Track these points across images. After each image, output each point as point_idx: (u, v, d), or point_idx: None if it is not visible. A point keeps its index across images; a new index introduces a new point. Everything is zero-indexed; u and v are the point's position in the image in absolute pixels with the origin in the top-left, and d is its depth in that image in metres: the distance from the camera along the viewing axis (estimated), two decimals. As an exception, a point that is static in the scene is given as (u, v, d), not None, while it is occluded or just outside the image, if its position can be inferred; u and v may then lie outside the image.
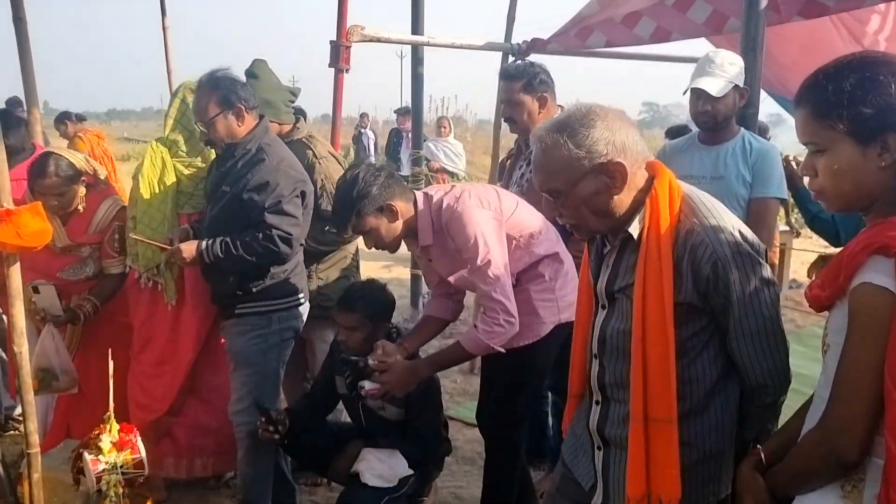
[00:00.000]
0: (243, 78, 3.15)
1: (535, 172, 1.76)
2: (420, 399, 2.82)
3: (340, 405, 3.24)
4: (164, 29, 4.97)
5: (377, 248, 2.68)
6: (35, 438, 2.49)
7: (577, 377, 1.94)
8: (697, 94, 3.04)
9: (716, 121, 3.07)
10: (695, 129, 3.55)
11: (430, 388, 2.88)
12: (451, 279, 2.65)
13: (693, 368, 1.69)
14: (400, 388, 2.65)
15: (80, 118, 8.94)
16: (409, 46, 6.12)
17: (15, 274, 2.34)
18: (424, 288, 6.96)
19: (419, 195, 2.66)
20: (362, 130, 14.82)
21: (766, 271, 1.66)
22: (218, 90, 2.85)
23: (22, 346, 2.39)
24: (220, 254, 2.82)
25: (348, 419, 3.21)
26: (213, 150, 3.12)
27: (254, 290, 2.93)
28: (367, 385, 2.62)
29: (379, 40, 4.56)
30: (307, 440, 3.02)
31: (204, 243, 2.85)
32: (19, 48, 4.09)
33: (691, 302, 1.63)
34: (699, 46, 4.99)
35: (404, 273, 7.81)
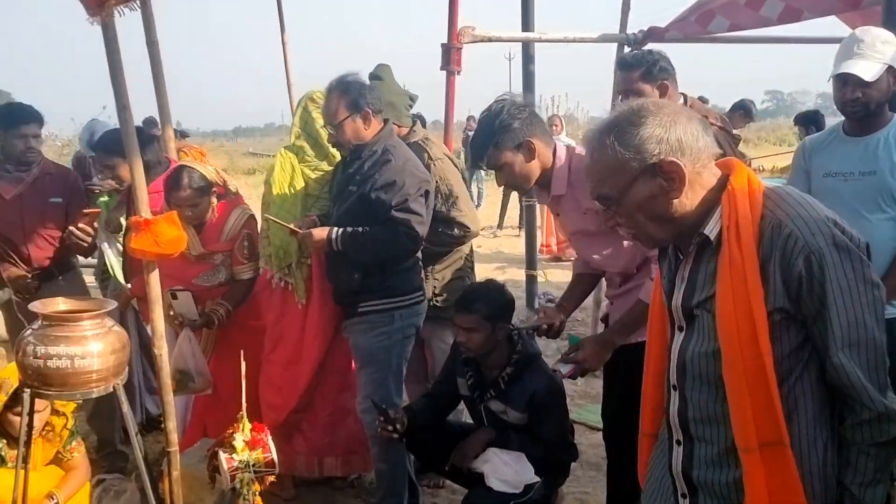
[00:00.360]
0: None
1: (586, 178, 1.59)
2: (544, 402, 2.75)
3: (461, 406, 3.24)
4: (283, 44, 5.14)
5: (507, 186, 2.65)
6: (174, 437, 2.61)
7: (650, 413, 1.73)
8: (844, 80, 2.68)
9: (868, 109, 2.69)
10: (832, 116, 3.25)
11: (554, 390, 2.81)
12: (595, 257, 2.62)
13: (792, 396, 1.43)
14: (596, 362, 2.54)
15: (184, 134, 9.21)
16: (520, 47, 6.05)
17: (154, 280, 2.47)
18: (540, 289, 6.89)
19: (561, 147, 2.59)
20: (469, 133, 14.93)
21: (871, 271, 1.41)
22: (348, 94, 2.95)
23: (162, 348, 2.51)
24: (347, 242, 2.91)
25: (469, 420, 3.19)
26: (337, 154, 3.22)
27: (376, 287, 2.98)
28: (563, 368, 2.53)
29: (490, 40, 4.52)
30: (427, 438, 3.02)
31: (334, 230, 2.94)
32: (153, 70, 4.35)
33: (783, 307, 1.40)
34: (826, 27, 4.64)
35: (518, 274, 7.74)
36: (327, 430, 3.39)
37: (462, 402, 3.14)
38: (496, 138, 2.46)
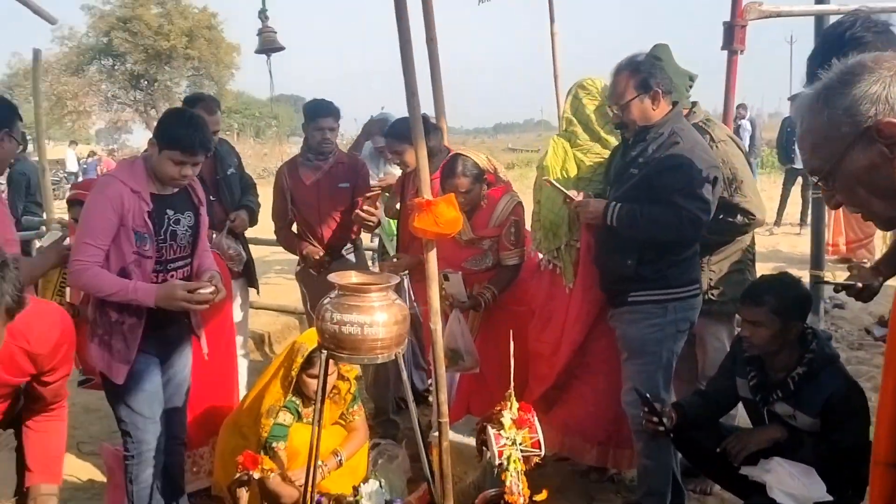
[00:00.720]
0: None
1: (798, 150, 1.31)
2: (844, 408, 2.43)
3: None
4: (552, 35, 5.13)
5: None
6: (445, 408, 2.73)
7: (888, 438, 1.36)
8: None
9: None
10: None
11: (856, 395, 2.47)
12: None
13: None
14: None
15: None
16: (803, 27, 5.43)
17: (432, 259, 2.60)
18: (828, 291, 6.16)
19: None
20: (740, 122, 13.86)
21: None
22: (638, 73, 2.89)
23: (437, 323, 2.64)
24: (623, 218, 2.84)
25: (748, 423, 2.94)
26: (610, 138, 3.17)
27: (651, 276, 2.85)
28: (878, 331, 2.30)
29: (779, 15, 4.11)
30: (698, 437, 2.83)
31: (611, 204, 2.89)
32: (430, 66, 4.61)
33: None
34: None
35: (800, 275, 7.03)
36: (589, 418, 3.35)
37: (740, 403, 2.90)
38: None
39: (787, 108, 12.45)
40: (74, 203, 3.48)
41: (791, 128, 11.00)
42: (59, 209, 6.78)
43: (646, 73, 2.88)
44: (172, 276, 2.88)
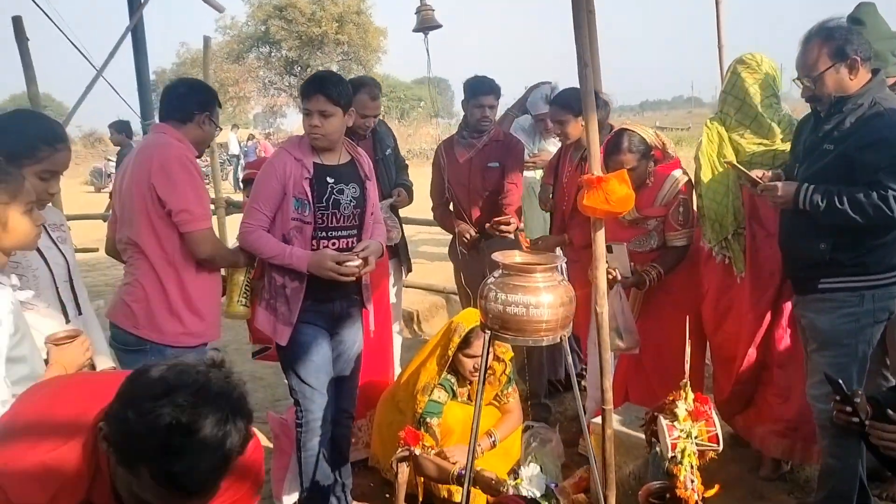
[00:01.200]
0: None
1: None
2: None
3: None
4: (716, 3, 4.79)
5: None
6: (609, 395, 2.62)
7: None
8: None
9: None
10: None
11: None
12: None
13: None
14: None
15: None
16: None
17: (601, 238, 2.48)
18: None
19: None
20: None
21: None
22: (831, 41, 2.64)
23: (603, 306, 2.52)
24: (819, 203, 2.60)
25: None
26: (768, 120, 3.03)
27: (847, 262, 2.60)
28: None
29: None
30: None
31: (804, 186, 2.66)
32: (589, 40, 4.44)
33: None
34: None
35: None
36: (773, 407, 3.19)
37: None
38: None
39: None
40: (248, 182, 3.64)
41: None
42: (225, 190, 7.20)
43: (841, 39, 2.60)
44: (335, 244, 2.93)
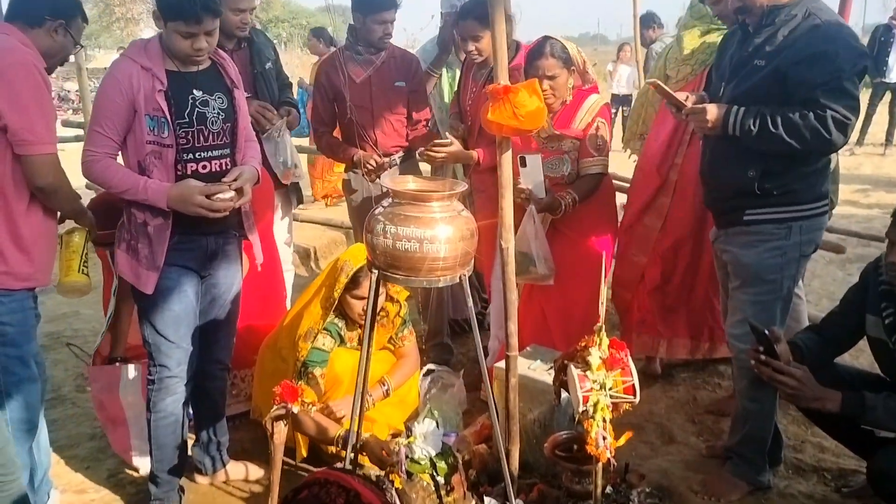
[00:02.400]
0: None
1: None
2: None
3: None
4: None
5: None
6: (515, 341, 2.34)
7: None
8: None
9: None
10: None
11: None
12: None
13: None
14: None
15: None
16: None
17: (507, 161, 2.14)
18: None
19: None
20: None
21: None
22: None
23: (509, 241, 2.21)
24: (751, 127, 2.33)
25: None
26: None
27: (775, 191, 2.36)
28: None
29: None
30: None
31: (734, 109, 2.38)
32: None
33: None
34: None
35: (887, 199, 6.40)
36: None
37: (866, 343, 2.44)
38: None
39: (883, 17, 11.29)
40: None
41: (885, 37, 9.98)
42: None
43: None
44: (205, 167, 2.49)
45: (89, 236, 2.70)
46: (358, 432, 2.42)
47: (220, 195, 2.42)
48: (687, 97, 2.54)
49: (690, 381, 3.68)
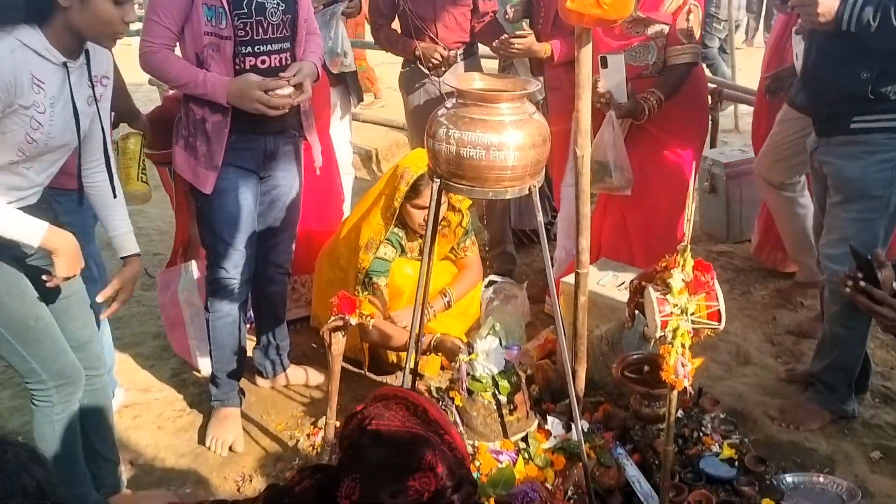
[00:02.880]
0: None
1: None
2: None
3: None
4: None
5: None
6: (586, 258, 2.17)
7: None
8: None
9: None
10: None
11: None
12: None
13: None
14: None
15: None
16: None
17: (586, 56, 1.90)
18: None
19: None
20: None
21: None
22: None
23: (585, 147, 2.00)
24: (870, 20, 2.01)
25: None
26: None
27: (892, 95, 2.07)
28: None
29: None
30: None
31: (851, 1, 2.05)
32: None
33: None
34: None
35: None
36: None
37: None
38: None
39: None
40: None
41: None
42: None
43: None
44: (264, 62, 2.36)
45: (144, 141, 2.62)
46: (419, 334, 2.32)
47: (279, 91, 2.29)
48: None
49: (770, 298, 3.46)
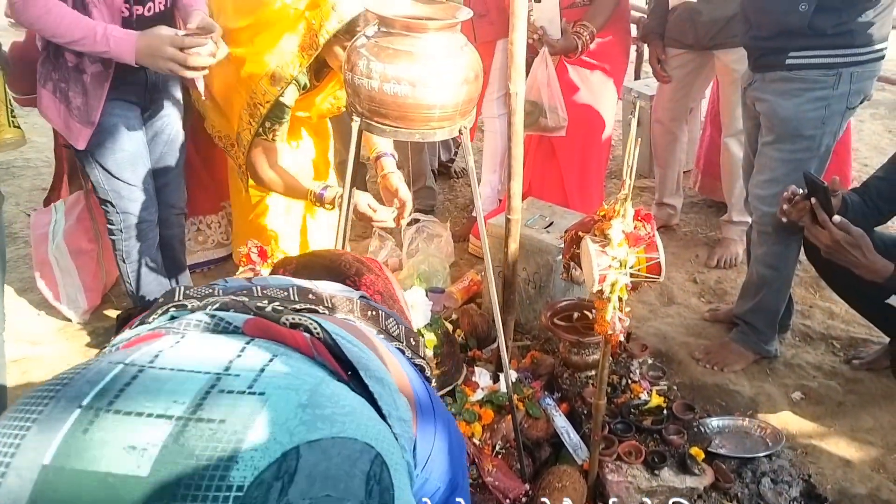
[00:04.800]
0: None
1: None
2: None
3: None
4: None
5: None
6: (517, 202, 2.02)
7: None
8: None
9: None
10: None
11: None
12: None
13: None
14: None
15: None
16: None
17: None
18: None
19: None
20: None
21: None
22: None
23: (518, 85, 1.82)
24: None
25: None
26: None
27: (829, 29, 1.99)
28: None
29: None
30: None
31: None
32: None
33: None
34: None
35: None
36: None
37: None
38: None
39: None
40: None
41: None
42: None
43: None
44: (149, 8, 2.09)
45: (5, 78, 2.27)
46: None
47: (201, 49, 1.98)
48: None
49: (692, 235, 3.44)
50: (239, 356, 0.70)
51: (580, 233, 1.76)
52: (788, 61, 2.11)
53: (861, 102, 2.20)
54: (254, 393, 0.65)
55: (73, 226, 2.76)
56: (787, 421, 2.29)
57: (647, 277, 1.68)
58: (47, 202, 2.88)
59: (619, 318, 1.68)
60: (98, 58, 2.04)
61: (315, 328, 0.80)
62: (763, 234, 2.34)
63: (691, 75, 3.01)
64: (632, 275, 1.67)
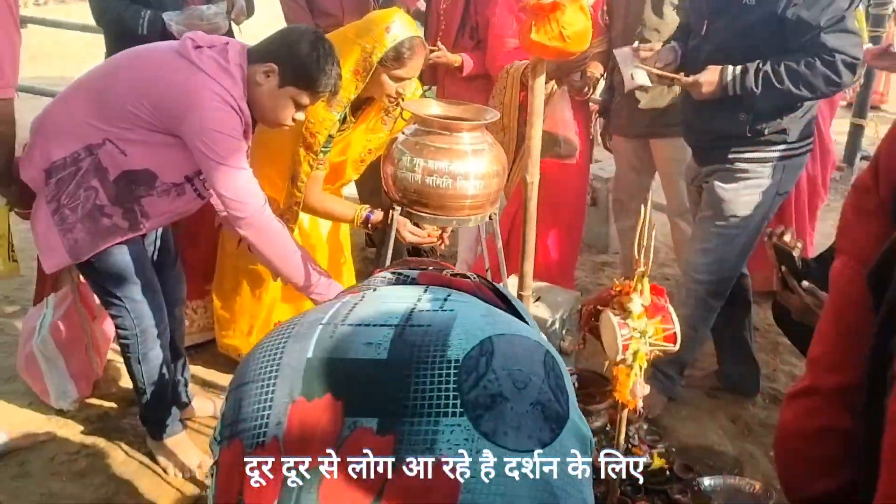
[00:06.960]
0: None
1: None
2: None
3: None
4: None
5: None
6: (529, 281, 2.19)
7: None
8: None
9: None
10: None
11: None
12: None
13: None
14: None
15: None
16: None
17: (540, 86, 1.92)
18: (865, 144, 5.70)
19: None
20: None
21: None
22: None
23: (535, 176, 2.01)
24: (754, 87, 2.19)
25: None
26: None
27: (768, 132, 2.31)
28: None
29: None
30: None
31: (729, 70, 2.23)
32: None
33: None
34: None
35: (839, 125, 6.57)
36: None
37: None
38: None
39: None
40: None
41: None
42: None
43: None
44: None
45: (9, 209, 2.24)
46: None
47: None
48: (681, 74, 2.39)
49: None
50: (424, 293, 0.97)
51: (599, 306, 1.94)
52: (730, 156, 2.41)
53: (788, 191, 2.55)
54: (445, 311, 0.91)
55: (61, 318, 2.71)
56: (771, 477, 2.47)
57: (663, 346, 1.86)
58: (38, 298, 2.82)
59: (641, 385, 1.85)
60: (126, 215, 2.03)
61: (473, 277, 1.07)
62: (690, 298, 2.60)
63: (635, 160, 3.21)
64: (650, 344, 1.84)
